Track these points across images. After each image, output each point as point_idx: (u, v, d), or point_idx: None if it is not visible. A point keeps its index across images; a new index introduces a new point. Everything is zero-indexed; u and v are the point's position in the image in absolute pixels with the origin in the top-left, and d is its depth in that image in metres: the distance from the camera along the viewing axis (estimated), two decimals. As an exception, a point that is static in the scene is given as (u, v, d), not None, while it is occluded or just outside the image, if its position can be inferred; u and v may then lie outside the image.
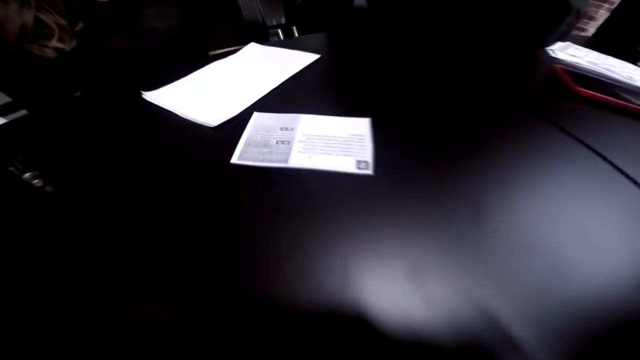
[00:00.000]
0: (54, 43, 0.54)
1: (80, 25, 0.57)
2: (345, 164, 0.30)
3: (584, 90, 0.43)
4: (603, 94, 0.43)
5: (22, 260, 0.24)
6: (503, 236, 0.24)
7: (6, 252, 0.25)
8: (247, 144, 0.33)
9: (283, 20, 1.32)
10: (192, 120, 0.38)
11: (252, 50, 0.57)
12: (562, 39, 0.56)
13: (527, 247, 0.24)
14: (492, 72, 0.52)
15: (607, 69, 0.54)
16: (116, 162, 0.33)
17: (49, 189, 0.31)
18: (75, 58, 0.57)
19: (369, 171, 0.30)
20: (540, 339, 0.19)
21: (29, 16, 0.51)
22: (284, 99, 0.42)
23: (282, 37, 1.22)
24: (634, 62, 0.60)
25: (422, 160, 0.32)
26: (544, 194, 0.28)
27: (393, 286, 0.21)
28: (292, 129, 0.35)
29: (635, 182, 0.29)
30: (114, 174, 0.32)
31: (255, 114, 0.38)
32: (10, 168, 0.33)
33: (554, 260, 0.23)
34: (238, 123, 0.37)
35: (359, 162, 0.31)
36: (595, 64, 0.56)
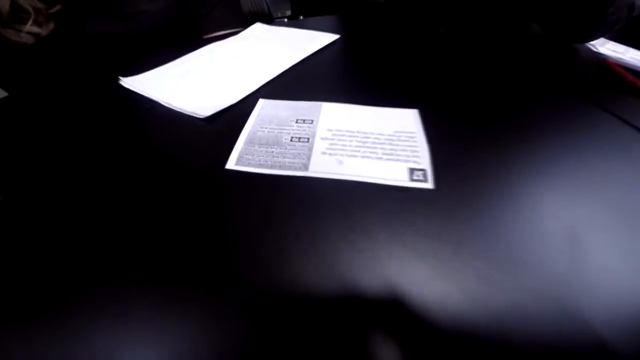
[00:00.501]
0: (30, 27, 0.49)
1: (57, 7, 0.51)
2: (395, 173, 0.20)
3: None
4: None
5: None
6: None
7: None
8: (249, 142, 0.23)
9: (289, 13, 1.24)
10: (178, 110, 0.28)
11: (258, 30, 0.47)
12: (608, 31, 0.51)
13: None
14: (546, 64, 0.43)
15: None
16: (82, 164, 0.24)
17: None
18: (52, 44, 0.51)
19: (428, 184, 0.20)
20: None
21: (4, 0, 0.46)
22: (298, 83, 0.32)
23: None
24: None
25: (490, 165, 0.22)
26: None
27: None
28: (312, 122, 0.25)
29: None
30: (78, 178, 0.22)
31: (261, 102, 0.28)
32: None
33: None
34: (238, 114, 0.27)
35: (412, 170, 0.21)
36: (639, 60, 0.51)
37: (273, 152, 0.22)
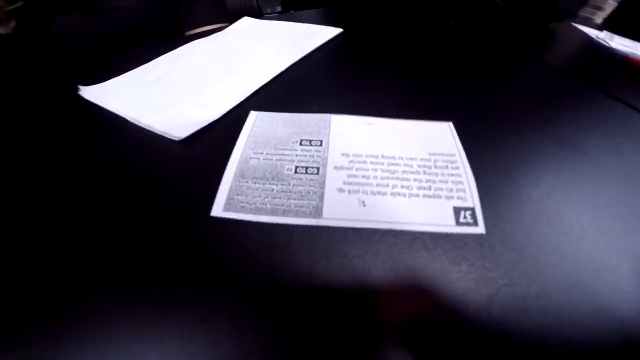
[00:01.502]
0: None
1: (19, 4, 0.46)
2: (437, 215, 0.15)
3: None
4: None
5: None
6: None
7: None
8: (239, 175, 0.17)
9: (279, 9, 1.19)
10: (149, 128, 0.22)
11: (246, 25, 0.41)
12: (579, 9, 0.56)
13: None
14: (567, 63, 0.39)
15: None
16: (25, 194, 0.18)
17: None
18: (14, 43, 0.45)
19: (479, 228, 0.15)
20: None
21: None
22: (297, 90, 0.27)
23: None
24: None
25: (541, 193, 0.17)
26: None
27: None
28: (320, 143, 0.19)
29: None
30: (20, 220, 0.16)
31: (253, 115, 0.22)
32: None
33: None
34: (223, 132, 0.21)
35: (458, 210, 0.16)
36: None
37: (273, 189, 0.16)
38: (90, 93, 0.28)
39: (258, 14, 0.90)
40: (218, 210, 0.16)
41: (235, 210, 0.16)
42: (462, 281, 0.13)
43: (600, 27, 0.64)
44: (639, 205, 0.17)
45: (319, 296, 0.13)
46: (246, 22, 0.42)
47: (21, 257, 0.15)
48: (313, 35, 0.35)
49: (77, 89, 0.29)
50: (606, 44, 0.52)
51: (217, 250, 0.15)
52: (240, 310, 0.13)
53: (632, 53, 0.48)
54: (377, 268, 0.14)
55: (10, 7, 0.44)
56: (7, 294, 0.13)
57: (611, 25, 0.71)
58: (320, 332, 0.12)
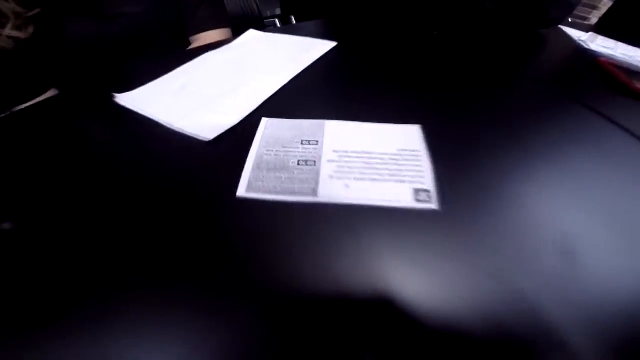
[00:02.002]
0: (9, 31, 0.49)
1: (36, 10, 0.50)
2: (400, 195, 0.21)
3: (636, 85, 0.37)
4: None
5: None
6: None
7: None
8: (257, 167, 0.23)
9: (278, 12, 1.21)
10: (181, 131, 0.28)
11: (251, 38, 0.47)
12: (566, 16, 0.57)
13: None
14: (541, 65, 0.44)
15: None
16: (83, 192, 0.24)
17: (6, 225, 0.21)
18: (32, 48, 0.51)
19: (432, 204, 0.21)
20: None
21: None
22: (298, 99, 0.33)
23: (278, 24, 1.11)
24: None
25: (496, 182, 0.23)
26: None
27: None
28: (317, 142, 0.25)
29: None
30: (80, 207, 0.22)
31: (264, 121, 0.28)
32: None
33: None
34: (241, 134, 0.27)
35: (417, 191, 0.22)
36: (630, 57, 0.52)
37: (282, 177, 0.22)
38: (125, 100, 0.34)
39: (258, 18, 0.94)
40: (242, 191, 0.22)
41: (255, 191, 0.22)
42: (419, 246, 0.19)
43: (592, 28, 0.67)
44: (571, 183, 0.23)
45: (314, 247, 0.19)
46: (251, 35, 0.47)
47: (80, 245, 0.21)
48: (311, 49, 0.40)
49: (113, 96, 0.35)
50: (586, 47, 0.54)
51: (242, 220, 0.21)
52: (256, 254, 0.19)
53: (610, 55, 0.51)
54: (357, 229, 0.20)
55: (30, 14, 0.49)
56: (72, 273, 0.19)
57: (606, 23, 0.74)
58: (318, 272, 0.18)
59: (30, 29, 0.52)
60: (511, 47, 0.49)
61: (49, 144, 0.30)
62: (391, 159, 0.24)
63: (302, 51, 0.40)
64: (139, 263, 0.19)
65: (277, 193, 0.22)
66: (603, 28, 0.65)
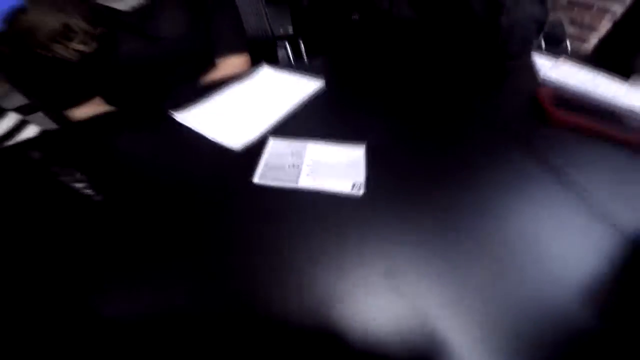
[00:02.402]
0: (76, 45, 0.60)
1: (100, 30, 0.62)
2: (343, 186, 0.39)
3: (559, 115, 0.49)
4: (580, 118, 0.49)
5: (75, 259, 0.33)
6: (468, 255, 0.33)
7: (60, 252, 0.33)
8: (265, 167, 0.41)
9: (290, 30, 1.34)
10: (219, 142, 0.46)
11: (265, 74, 0.65)
12: (528, 48, 0.66)
13: (495, 270, 0.32)
14: (483, 96, 0.60)
15: (593, 89, 0.56)
16: (156, 176, 0.42)
17: (98, 197, 0.39)
18: (94, 60, 0.62)
19: (360, 192, 0.38)
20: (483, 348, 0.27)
21: (59, 20, 0.58)
22: (293, 125, 0.50)
23: (289, 51, 1.25)
24: (627, 76, 0.61)
25: (406, 184, 0.40)
26: (510, 220, 0.36)
27: (371, 285, 0.30)
28: (301, 155, 0.43)
29: (595, 211, 0.37)
30: (153, 187, 0.40)
31: (271, 141, 0.46)
32: (62, 178, 0.41)
33: (518, 282, 0.30)
34: (257, 146, 0.45)
35: (353, 184, 0.39)
36: (582, 83, 0.57)
37: (280, 173, 0.40)
38: (180, 117, 0.52)
39: (271, 37, 1.12)
40: (257, 179, 0.40)
41: (264, 180, 0.40)
42: (349, 218, 0.37)
43: (588, 57, 0.70)
44: (476, 199, 0.40)
45: (296, 213, 0.37)
46: (265, 71, 0.65)
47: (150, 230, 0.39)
48: (306, 86, 0.58)
49: (170, 113, 0.53)
50: (544, 76, 0.59)
51: (257, 195, 0.38)
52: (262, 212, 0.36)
53: (563, 82, 0.55)
54: (319, 204, 0.37)
55: (95, 32, 0.61)
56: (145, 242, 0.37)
57: (600, 54, 0.76)
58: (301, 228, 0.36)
59: (94, 45, 0.61)
60: (473, 78, 0.64)
61: (122, 146, 0.48)
62: (344, 165, 0.41)
63: (298, 88, 0.58)
64: (193, 222, 0.37)
65: (277, 181, 0.39)
66: (600, 56, 0.70)
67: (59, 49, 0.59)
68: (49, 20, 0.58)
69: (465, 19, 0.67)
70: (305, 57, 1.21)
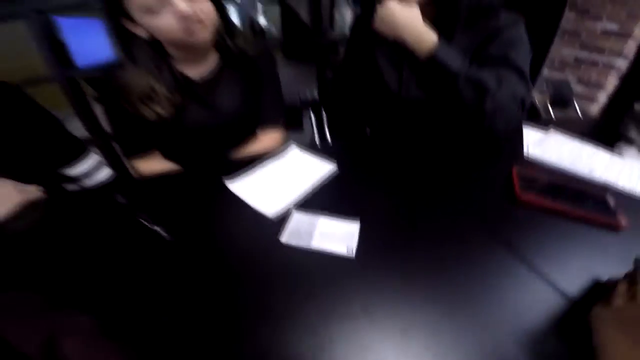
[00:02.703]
0: (158, 108, 0.70)
1: (178, 99, 0.73)
2: (340, 249, 0.57)
3: (525, 197, 0.55)
4: (547, 200, 0.54)
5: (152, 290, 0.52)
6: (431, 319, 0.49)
7: (140, 282, 0.53)
8: (290, 231, 0.61)
9: (316, 94, 1.52)
10: (259, 210, 0.67)
11: (293, 154, 0.88)
12: (511, 124, 0.70)
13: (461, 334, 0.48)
14: (466, 175, 0.75)
15: (572, 163, 0.58)
16: (213, 232, 0.62)
17: (169, 237, 0.59)
18: (166, 123, 0.75)
19: (352, 255, 0.57)
20: None
21: (148, 83, 0.68)
22: (310, 200, 0.71)
23: (313, 119, 1.48)
24: (611, 145, 0.64)
25: (391, 251, 0.58)
26: (473, 289, 0.53)
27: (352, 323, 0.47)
28: (314, 225, 0.63)
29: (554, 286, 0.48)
30: (210, 238, 0.61)
31: (294, 213, 0.66)
32: (141, 220, 0.61)
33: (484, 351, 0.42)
34: (284, 215, 0.65)
35: (348, 248, 0.58)
36: (566, 157, 0.59)
37: (298, 237, 0.60)
38: (232, 186, 0.74)
39: (300, 109, 1.37)
40: (284, 239, 0.59)
41: (290, 240, 0.59)
42: (343, 275, 0.55)
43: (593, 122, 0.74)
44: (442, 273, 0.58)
45: (307, 263, 0.55)
46: (293, 152, 0.89)
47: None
48: (322, 167, 0.80)
49: (223, 181, 0.75)
50: (526, 151, 0.64)
51: (283, 251, 0.58)
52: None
53: (539, 159, 0.61)
54: (321, 260, 0.56)
55: (174, 101, 0.72)
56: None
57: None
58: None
59: (171, 110, 0.73)
60: (463, 157, 0.78)
61: (184, 201, 0.70)
62: (341, 234, 0.60)
63: (316, 168, 0.80)
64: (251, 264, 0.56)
65: (298, 242, 0.59)
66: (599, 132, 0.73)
67: (143, 109, 0.70)
68: (140, 81, 0.66)
69: (455, 104, 0.72)
70: (326, 129, 1.45)
